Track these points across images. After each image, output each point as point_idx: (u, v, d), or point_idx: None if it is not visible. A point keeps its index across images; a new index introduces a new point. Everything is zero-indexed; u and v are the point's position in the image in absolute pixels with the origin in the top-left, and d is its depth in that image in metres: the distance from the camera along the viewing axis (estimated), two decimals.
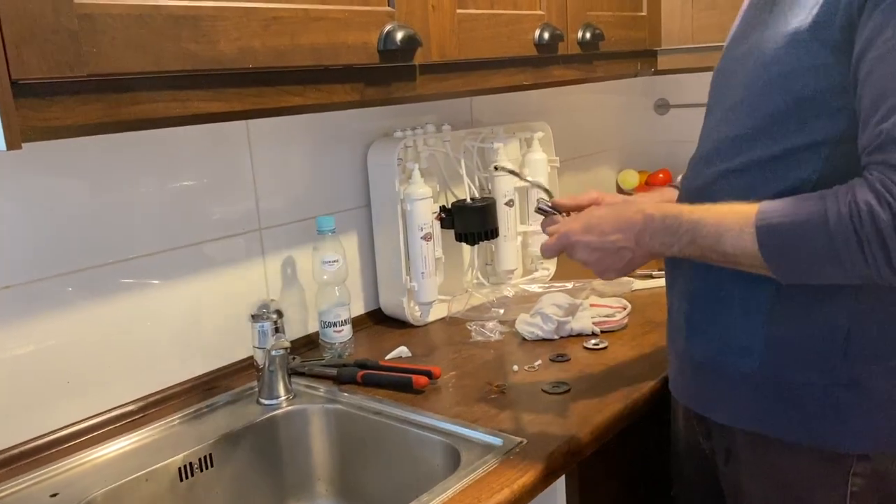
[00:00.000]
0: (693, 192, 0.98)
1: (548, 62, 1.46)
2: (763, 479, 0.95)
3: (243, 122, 1.32)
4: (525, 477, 0.94)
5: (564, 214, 1.11)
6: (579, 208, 1.10)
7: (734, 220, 0.85)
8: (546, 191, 1.23)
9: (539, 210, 1.14)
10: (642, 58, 1.75)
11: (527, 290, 1.62)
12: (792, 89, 0.86)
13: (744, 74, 0.92)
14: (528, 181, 1.40)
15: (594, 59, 1.58)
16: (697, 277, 0.98)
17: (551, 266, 1.80)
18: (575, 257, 1.00)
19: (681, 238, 0.89)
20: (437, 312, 1.56)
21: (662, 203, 0.98)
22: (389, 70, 1.13)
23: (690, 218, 0.89)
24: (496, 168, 1.53)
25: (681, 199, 1.02)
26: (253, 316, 1.20)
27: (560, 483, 1.03)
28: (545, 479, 0.97)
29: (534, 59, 1.41)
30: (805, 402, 0.90)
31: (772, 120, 0.88)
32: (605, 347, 1.34)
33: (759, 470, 0.95)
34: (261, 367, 1.20)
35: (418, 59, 1.15)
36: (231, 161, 1.32)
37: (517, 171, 1.51)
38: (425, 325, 1.54)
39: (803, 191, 0.85)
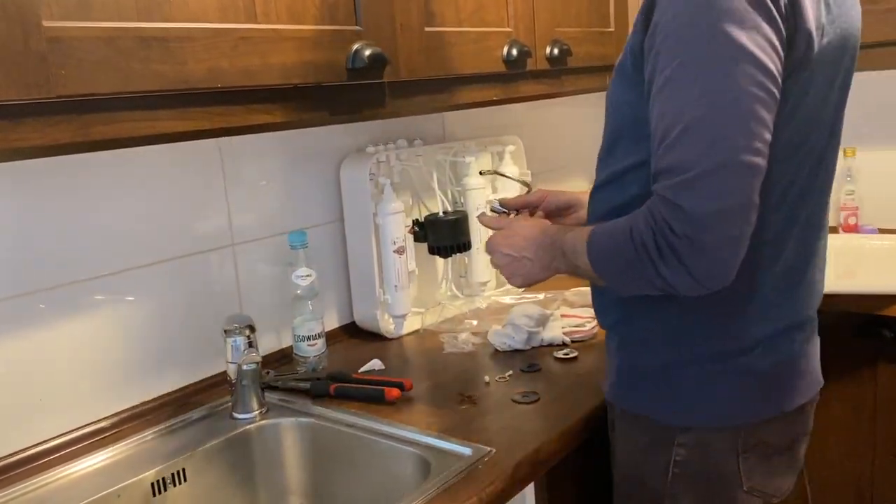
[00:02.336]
0: (587, 204, 1.12)
1: (516, 78, 1.49)
2: (624, 446, 1.09)
3: (215, 138, 1.33)
4: (493, 486, 0.96)
5: (515, 213, 1.24)
6: (528, 205, 1.25)
7: (581, 240, 0.98)
8: (528, 186, 1.35)
9: (493, 210, 1.26)
10: (610, 72, 1.78)
11: (500, 302, 1.64)
12: (620, 116, 1.00)
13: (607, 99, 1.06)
14: (512, 178, 1.50)
15: (562, 74, 1.62)
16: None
17: None
18: (493, 260, 1.13)
19: (557, 255, 1.04)
20: (411, 325, 1.58)
21: (554, 226, 1.11)
22: (358, 88, 1.16)
23: (565, 237, 1.03)
24: (482, 173, 1.59)
25: None
26: (226, 331, 1.21)
27: (529, 491, 1.05)
28: (513, 488, 0.98)
29: (503, 75, 1.44)
30: (641, 381, 1.04)
31: (614, 140, 1.02)
32: (575, 357, 1.36)
33: (621, 438, 1.09)
34: (234, 381, 1.21)
35: (387, 76, 1.17)
36: (203, 177, 1.34)
37: (502, 172, 1.59)
38: (399, 338, 1.55)
39: (635, 206, 0.93)
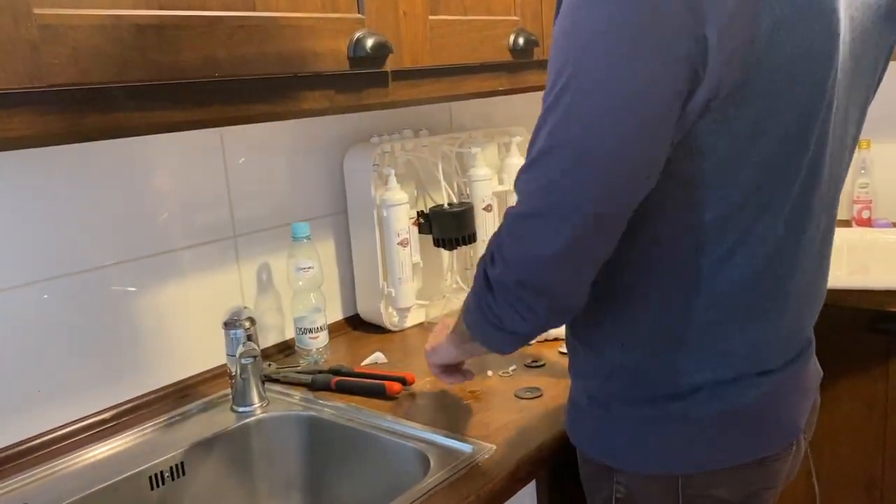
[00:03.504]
0: None
1: (523, 67, 1.46)
2: (582, 473, 1.02)
3: (217, 128, 1.31)
4: (493, 484, 0.94)
5: None
6: None
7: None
8: None
9: None
10: None
11: None
12: None
13: None
14: None
15: None
16: None
17: None
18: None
19: (455, 339, 1.01)
20: (415, 318, 1.56)
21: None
22: (360, 77, 1.13)
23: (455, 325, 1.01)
24: None
25: None
26: (225, 323, 1.20)
27: (530, 489, 1.04)
28: (514, 486, 0.97)
29: (509, 64, 1.42)
30: (582, 416, 0.98)
31: None
32: None
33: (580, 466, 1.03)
34: (234, 374, 1.20)
35: (390, 65, 1.15)
36: (204, 167, 1.32)
37: None
38: (403, 331, 1.54)
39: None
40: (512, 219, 0.80)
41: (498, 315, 0.84)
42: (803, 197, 0.84)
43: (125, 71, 0.86)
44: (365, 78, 1.14)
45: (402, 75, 1.21)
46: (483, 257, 0.86)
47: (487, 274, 0.83)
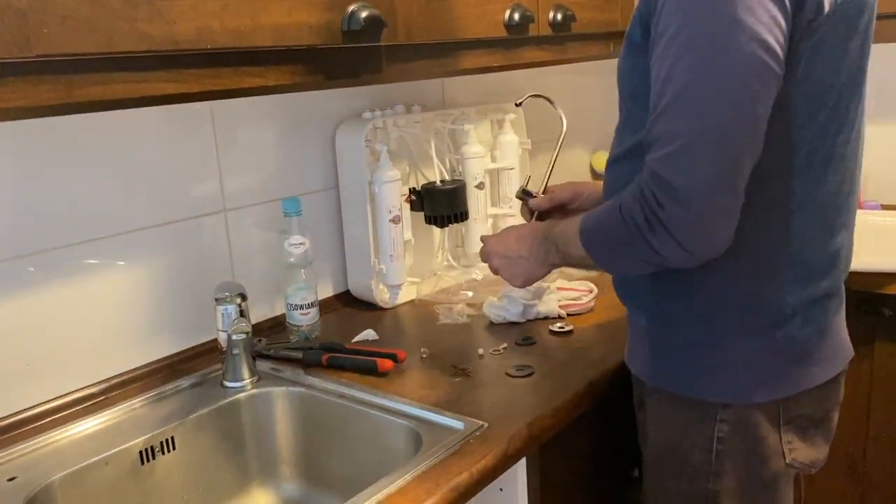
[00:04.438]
0: (605, 174, 1.11)
1: (518, 44, 1.45)
2: (658, 423, 1.07)
3: (207, 101, 1.29)
4: (484, 461, 0.95)
5: (538, 213, 1.24)
6: (557, 208, 1.23)
7: (572, 229, 1.00)
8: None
9: (519, 197, 1.26)
10: (615, 39, 1.74)
11: None
12: (630, 88, 0.99)
13: (619, 76, 1.04)
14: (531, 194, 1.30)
15: (566, 40, 1.57)
16: None
17: None
18: (490, 264, 1.16)
19: (550, 249, 1.06)
20: (407, 295, 1.56)
21: (544, 223, 1.14)
22: (354, 51, 1.12)
23: (556, 231, 1.05)
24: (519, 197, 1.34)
25: None
26: (216, 299, 1.19)
27: (521, 465, 1.04)
28: (505, 463, 0.97)
29: (504, 40, 1.40)
30: (677, 358, 1.02)
31: (629, 114, 1.00)
32: (570, 331, 1.35)
33: (655, 416, 1.07)
34: (225, 350, 1.20)
35: (384, 40, 1.14)
36: (194, 141, 1.30)
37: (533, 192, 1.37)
38: (394, 308, 1.54)
39: None
40: (668, 158, 0.84)
41: (657, 250, 0.88)
42: (857, 122, 0.98)
43: (116, 41, 0.84)
44: (359, 52, 1.13)
45: (397, 50, 1.19)
46: (628, 206, 0.89)
47: (655, 216, 0.86)
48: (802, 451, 1.02)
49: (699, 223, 0.85)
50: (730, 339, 0.98)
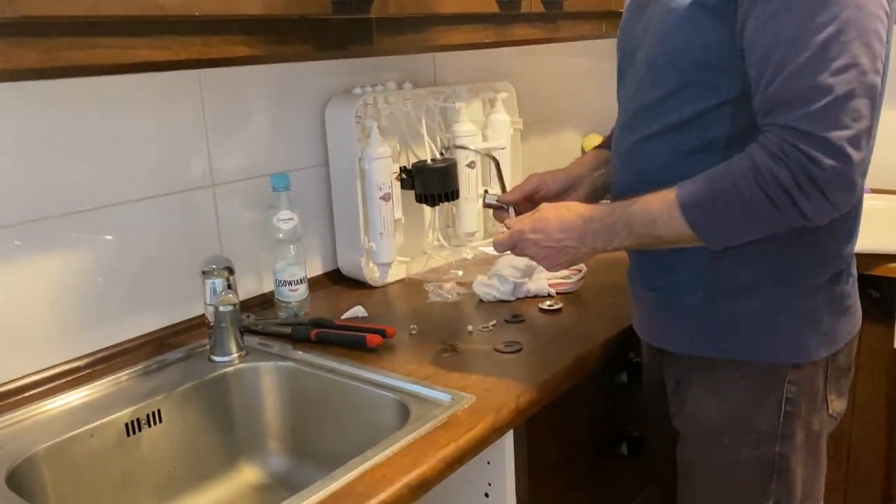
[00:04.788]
0: (623, 157, 1.07)
1: (510, 20, 1.44)
2: (711, 397, 1.05)
3: (195, 73, 1.28)
4: (472, 433, 0.94)
5: (514, 206, 1.18)
6: (525, 199, 1.19)
7: (660, 207, 0.94)
8: (495, 161, 1.28)
9: (487, 205, 1.21)
10: (608, 19, 1.74)
11: (486, 253, 1.62)
12: (688, 61, 0.95)
13: (646, 49, 1.00)
14: (475, 150, 1.39)
15: (558, 18, 1.57)
16: None
17: None
18: (525, 253, 1.07)
19: (619, 233, 0.99)
20: (396, 273, 1.56)
21: (596, 205, 1.07)
22: (344, 22, 1.11)
23: (623, 214, 0.98)
24: (443, 152, 1.45)
25: (613, 163, 1.11)
26: (204, 272, 1.18)
27: (508, 438, 1.04)
28: (492, 435, 0.97)
29: (496, 16, 1.40)
30: (742, 326, 1.01)
31: (677, 88, 0.97)
32: (559, 309, 1.35)
33: (707, 390, 1.05)
34: (212, 324, 1.19)
35: (375, 11, 1.13)
36: (182, 114, 1.29)
37: (464, 144, 1.47)
38: (384, 286, 1.53)
39: (716, 147, 0.95)
40: (820, 113, 0.83)
41: (803, 212, 0.86)
42: None
43: (101, 5, 0.83)
44: (349, 24, 1.12)
45: (388, 23, 1.18)
46: (770, 173, 0.86)
47: (808, 176, 0.84)
48: (837, 402, 1.06)
49: (854, 176, 0.85)
50: (797, 299, 0.99)
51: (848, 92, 0.83)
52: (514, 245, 1.07)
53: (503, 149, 1.68)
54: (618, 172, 1.09)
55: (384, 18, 1.16)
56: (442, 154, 1.55)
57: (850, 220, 1.00)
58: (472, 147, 1.42)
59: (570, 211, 1.05)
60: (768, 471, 1.02)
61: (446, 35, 1.30)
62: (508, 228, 1.08)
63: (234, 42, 1.00)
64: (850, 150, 0.84)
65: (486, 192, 1.24)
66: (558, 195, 1.19)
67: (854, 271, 1.06)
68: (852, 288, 1.05)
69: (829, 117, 0.83)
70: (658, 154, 1.00)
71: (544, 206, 1.09)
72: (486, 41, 1.40)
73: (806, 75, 0.84)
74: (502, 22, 1.41)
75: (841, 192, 0.86)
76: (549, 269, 1.08)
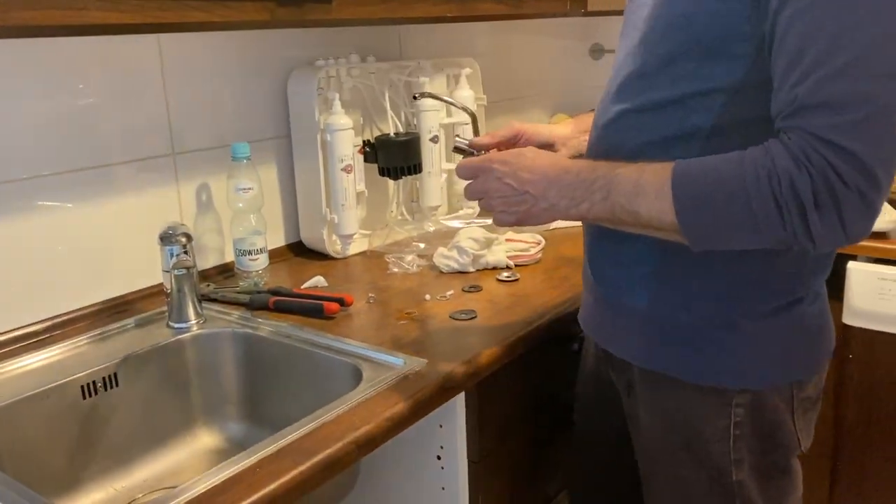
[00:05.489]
0: (599, 129, 0.98)
1: None
2: (657, 412, 0.98)
3: (154, 39, 1.28)
4: (420, 393, 0.97)
5: (482, 153, 1.05)
6: (500, 146, 1.08)
7: (651, 179, 0.82)
8: (471, 115, 1.20)
9: (457, 149, 1.08)
10: None
11: (448, 226, 1.64)
12: (691, 32, 0.84)
13: (649, 10, 0.90)
14: (451, 102, 1.26)
15: None
16: None
17: (476, 204, 1.81)
18: (484, 186, 0.93)
19: (593, 194, 0.86)
20: (358, 246, 1.57)
21: (575, 160, 0.94)
22: None
23: (605, 174, 0.86)
24: (416, 98, 1.38)
25: (591, 132, 1.02)
26: (161, 238, 1.19)
27: (459, 399, 1.06)
28: (442, 396, 1.00)
29: None
30: (688, 342, 0.93)
31: (669, 60, 0.87)
32: (516, 280, 1.37)
33: (653, 404, 0.99)
34: (170, 290, 1.20)
35: None
36: (141, 81, 1.29)
37: (439, 95, 1.34)
38: (345, 258, 1.55)
39: (698, 137, 0.85)
40: (854, 126, 0.73)
41: (811, 231, 0.75)
42: None
43: None
44: None
45: None
46: (787, 178, 0.75)
47: (831, 192, 0.74)
48: (807, 436, 0.98)
49: (878, 205, 0.74)
50: (748, 319, 0.90)
51: (891, 105, 0.72)
52: (477, 172, 0.94)
53: (467, 124, 1.69)
54: (592, 143, 1.00)
55: None
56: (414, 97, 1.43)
57: (829, 253, 0.94)
58: (447, 99, 1.34)
59: (549, 157, 0.93)
60: (729, 498, 0.95)
61: (408, 7, 1.31)
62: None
63: (192, 8, 1.00)
64: (880, 173, 0.73)
65: (457, 136, 1.13)
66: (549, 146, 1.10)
67: (824, 295, 0.96)
68: (820, 314, 0.95)
69: (864, 131, 0.72)
70: (636, 131, 0.91)
71: (528, 147, 0.97)
72: (449, 15, 1.41)
73: (845, 79, 0.72)
74: None
75: (860, 219, 0.75)
76: (496, 218, 0.94)
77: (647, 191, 0.82)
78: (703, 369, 0.93)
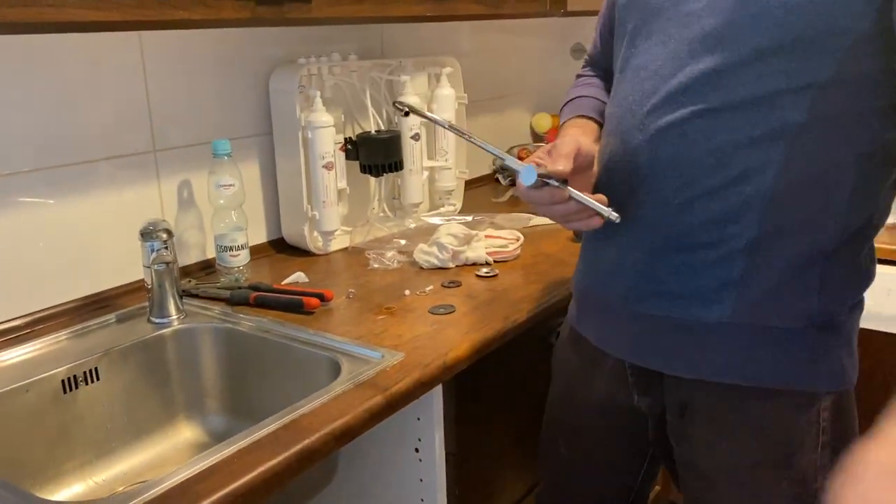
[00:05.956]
0: (653, 134, 0.88)
1: None
2: (730, 429, 0.92)
3: (135, 36, 1.29)
4: (398, 386, 0.98)
5: (563, 182, 0.88)
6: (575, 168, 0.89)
7: None
8: (455, 130, 1.03)
9: (541, 182, 0.87)
10: None
11: (429, 223, 1.66)
12: (790, 24, 0.80)
13: (708, 2, 0.84)
14: (436, 121, 1.08)
15: None
16: (664, 226, 0.90)
17: (458, 201, 1.83)
18: None
19: None
20: (340, 242, 1.59)
21: None
22: None
23: None
24: (398, 106, 1.14)
25: (626, 143, 0.91)
26: (142, 234, 1.20)
27: (437, 394, 1.08)
28: (419, 389, 1.01)
29: None
30: (782, 347, 0.88)
31: (758, 55, 0.82)
32: (495, 275, 1.39)
33: (725, 420, 0.92)
34: (150, 285, 1.21)
35: None
36: (122, 77, 1.30)
37: (425, 112, 1.12)
38: (327, 255, 1.56)
39: (787, 135, 0.82)
40: None
41: None
42: None
43: None
44: None
45: None
46: None
47: None
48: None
49: None
50: (839, 317, 0.89)
51: None
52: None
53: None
54: (640, 149, 0.89)
55: None
56: (404, 113, 1.19)
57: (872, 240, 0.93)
58: (429, 115, 1.08)
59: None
60: None
61: (386, 7, 1.33)
62: (584, 201, 0.86)
63: (171, 6, 1.01)
64: None
65: (538, 166, 0.87)
66: (590, 165, 0.94)
67: None
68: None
69: None
70: (714, 132, 0.84)
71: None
72: (428, 14, 1.43)
73: None
74: None
75: None
76: None
77: None
78: (798, 374, 0.89)
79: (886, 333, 1.54)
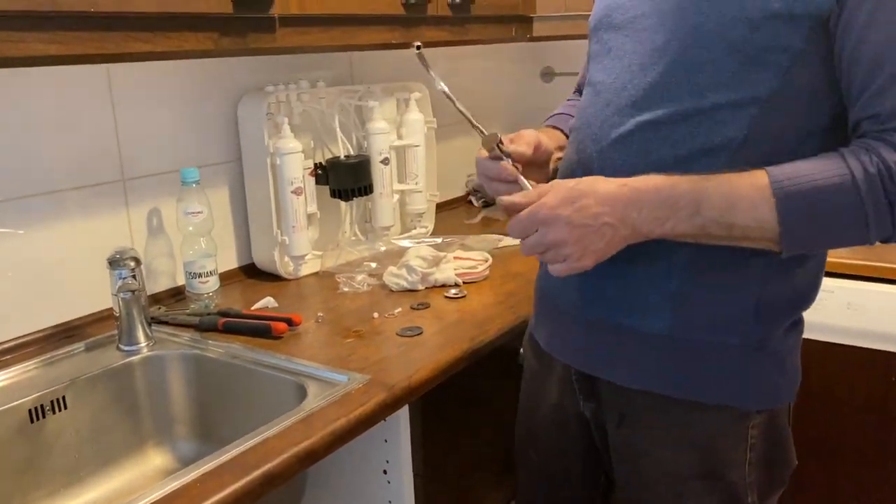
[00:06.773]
0: (607, 142, 0.90)
1: (417, 22, 1.50)
2: (666, 441, 0.93)
3: (103, 66, 1.31)
4: (363, 408, 0.99)
5: (516, 164, 0.95)
6: (533, 159, 1.00)
7: (747, 191, 0.79)
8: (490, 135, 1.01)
9: (495, 156, 0.96)
10: (517, 23, 1.81)
11: (399, 245, 1.68)
12: (731, 39, 0.82)
13: (670, 15, 0.86)
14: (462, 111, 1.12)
15: (466, 21, 1.63)
16: None
17: (429, 224, 1.85)
18: (549, 237, 0.84)
19: (679, 211, 0.81)
20: (311, 267, 1.60)
21: (645, 176, 0.84)
22: (246, 20, 1.15)
23: (692, 188, 0.81)
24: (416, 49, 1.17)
25: (580, 153, 0.95)
26: (110, 262, 1.20)
27: (403, 413, 1.09)
28: (383, 411, 1.02)
29: (402, 18, 1.45)
30: (715, 364, 0.90)
31: (701, 69, 0.84)
32: (464, 296, 1.41)
33: (660, 431, 0.94)
34: (118, 313, 1.22)
35: (277, 10, 1.17)
36: (90, 107, 1.31)
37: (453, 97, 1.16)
38: (297, 279, 1.57)
39: (728, 150, 0.83)
40: None
41: (879, 222, 0.78)
42: None
43: None
44: (251, 21, 1.16)
45: (291, 21, 1.23)
46: (861, 164, 0.78)
47: None
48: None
49: None
50: (774, 337, 0.90)
51: None
52: (539, 224, 0.85)
53: (417, 146, 1.74)
54: (594, 158, 0.91)
55: (287, 17, 1.20)
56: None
57: (822, 263, 0.95)
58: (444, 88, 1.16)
59: (608, 182, 0.84)
60: None
61: (352, 35, 1.35)
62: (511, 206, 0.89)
63: (133, 39, 1.03)
64: None
65: (499, 140, 0.97)
66: (545, 163, 1.03)
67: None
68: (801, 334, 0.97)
69: None
70: (657, 144, 0.86)
71: (573, 180, 0.87)
72: (394, 42, 1.46)
73: None
74: (408, 24, 1.47)
75: None
76: (579, 259, 0.84)
77: (742, 202, 0.79)
78: (730, 391, 0.90)
79: (849, 346, 1.57)
